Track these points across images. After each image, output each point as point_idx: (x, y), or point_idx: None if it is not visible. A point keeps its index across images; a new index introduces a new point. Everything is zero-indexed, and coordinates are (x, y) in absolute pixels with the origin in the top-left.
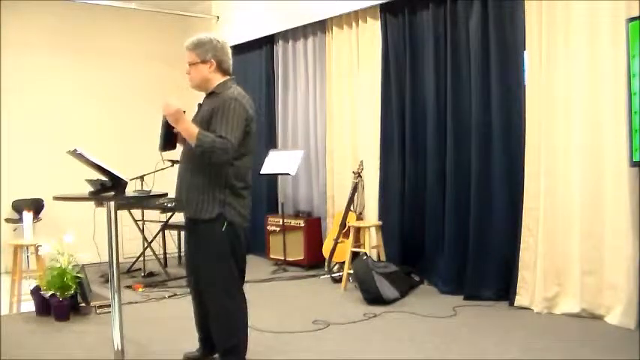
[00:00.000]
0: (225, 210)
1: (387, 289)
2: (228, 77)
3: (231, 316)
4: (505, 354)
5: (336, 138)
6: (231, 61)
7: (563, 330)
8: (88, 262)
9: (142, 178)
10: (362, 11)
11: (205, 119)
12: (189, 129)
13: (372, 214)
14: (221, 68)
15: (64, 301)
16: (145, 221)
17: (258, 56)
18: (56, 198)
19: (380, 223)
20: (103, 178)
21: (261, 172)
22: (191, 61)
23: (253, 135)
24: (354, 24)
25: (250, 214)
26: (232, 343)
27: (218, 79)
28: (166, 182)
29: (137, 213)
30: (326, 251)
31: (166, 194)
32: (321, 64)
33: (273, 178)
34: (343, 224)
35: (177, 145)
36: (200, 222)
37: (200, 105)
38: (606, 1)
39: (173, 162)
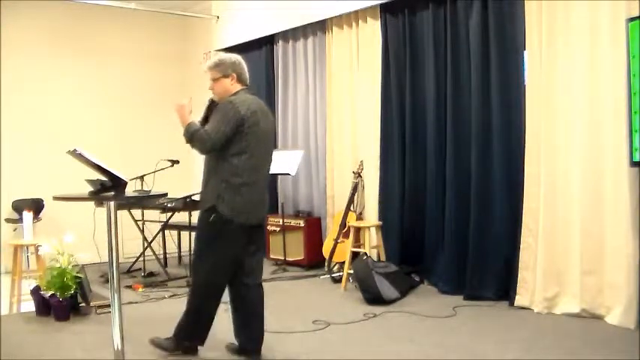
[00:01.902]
0: (217, 202)
1: (387, 289)
2: (243, 87)
3: (194, 313)
4: (505, 354)
5: (336, 138)
6: (247, 74)
7: (563, 330)
8: (88, 262)
9: (142, 178)
10: (362, 11)
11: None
12: (185, 121)
13: (372, 214)
14: (240, 79)
15: (64, 301)
16: (145, 221)
17: (258, 56)
18: (56, 198)
19: (380, 223)
20: (103, 178)
21: None
22: (214, 77)
23: (255, 136)
24: (354, 24)
25: (253, 211)
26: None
27: (237, 89)
28: (166, 182)
29: (137, 213)
30: (326, 251)
31: (166, 194)
32: (321, 64)
33: (273, 178)
34: (343, 224)
35: None
36: (201, 212)
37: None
38: (606, 1)
39: (173, 162)
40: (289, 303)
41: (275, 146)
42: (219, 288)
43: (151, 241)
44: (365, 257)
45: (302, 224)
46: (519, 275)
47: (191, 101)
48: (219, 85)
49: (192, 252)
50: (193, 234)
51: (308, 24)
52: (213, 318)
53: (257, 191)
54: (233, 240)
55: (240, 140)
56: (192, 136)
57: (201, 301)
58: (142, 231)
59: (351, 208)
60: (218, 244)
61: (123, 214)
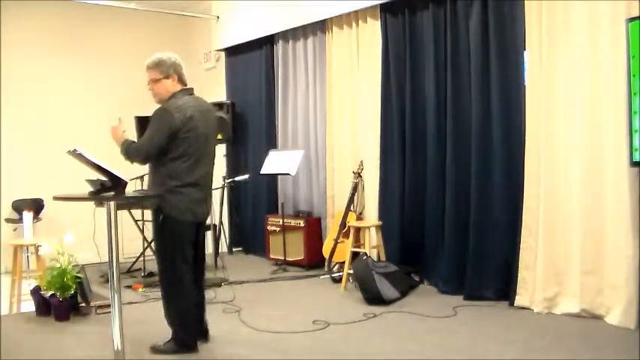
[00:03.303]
0: (162, 204)
1: (387, 289)
2: (182, 88)
3: (176, 313)
4: (505, 354)
5: (336, 138)
6: (185, 72)
7: (563, 330)
8: (88, 262)
9: (141, 178)
10: (362, 11)
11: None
12: (118, 140)
13: (372, 214)
14: (181, 80)
15: (64, 301)
16: (145, 221)
17: (258, 56)
18: (56, 198)
19: (380, 223)
20: (103, 178)
21: (261, 172)
22: (155, 78)
23: (191, 141)
24: (354, 24)
25: (195, 209)
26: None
27: (177, 89)
28: None
29: (137, 213)
30: (326, 251)
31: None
32: (321, 64)
33: (273, 178)
34: (343, 224)
35: None
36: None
37: None
38: (606, 1)
39: None
40: (289, 303)
41: (275, 146)
42: (184, 282)
43: (151, 241)
44: (365, 257)
45: (302, 224)
46: (519, 275)
47: (121, 121)
48: (161, 86)
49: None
50: None
51: (308, 24)
52: (195, 312)
53: (196, 190)
54: (183, 237)
55: (177, 146)
56: (127, 151)
57: (177, 300)
58: (142, 231)
59: (351, 208)
60: (171, 243)
61: (123, 214)
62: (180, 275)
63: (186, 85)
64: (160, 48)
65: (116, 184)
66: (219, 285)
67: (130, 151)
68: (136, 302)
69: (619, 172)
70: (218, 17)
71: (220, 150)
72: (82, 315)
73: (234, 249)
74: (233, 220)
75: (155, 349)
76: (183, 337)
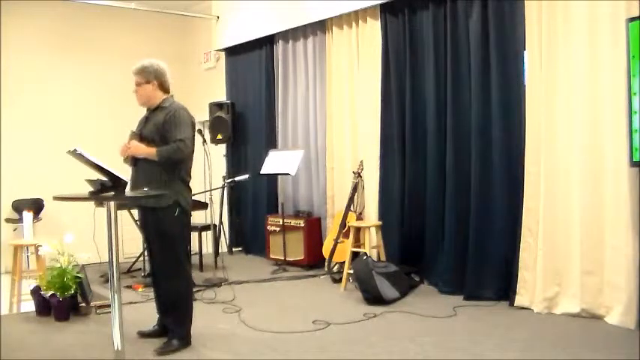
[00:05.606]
0: (179, 198)
1: (387, 289)
2: (167, 95)
3: (187, 305)
4: (505, 354)
5: (336, 138)
6: (170, 81)
7: (563, 330)
8: (88, 262)
9: None
10: (362, 11)
11: (158, 126)
12: (148, 152)
13: (372, 214)
14: (163, 87)
15: (64, 301)
16: None
17: (258, 56)
18: (56, 198)
19: (380, 223)
20: (103, 178)
21: (261, 172)
22: (137, 82)
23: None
24: (354, 24)
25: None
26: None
27: (160, 96)
28: None
29: (137, 213)
30: (326, 251)
31: (166, 194)
32: (321, 64)
33: (273, 178)
34: (343, 224)
35: None
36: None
37: (146, 118)
38: (606, 1)
39: None
40: (289, 303)
41: (275, 146)
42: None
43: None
44: (365, 257)
45: (302, 224)
46: (519, 275)
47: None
48: (142, 91)
49: (158, 252)
50: (194, 234)
51: (308, 24)
52: None
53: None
54: (189, 228)
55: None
56: (175, 152)
57: (189, 290)
58: None
59: (351, 208)
60: (183, 235)
61: (123, 214)
62: (187, 264)
63: (169, 93)
64: (160, 48)
65: (116, 184)
66: (219, 285)
67: (176, 150)
68: (136, 302)
69: (619, 172)
70: (218, 17)
71: (220, 150)
72: (82, 315)
73: (234, 249)
74: (233, 220)
75: (160, 352)
76: (188, 331)
